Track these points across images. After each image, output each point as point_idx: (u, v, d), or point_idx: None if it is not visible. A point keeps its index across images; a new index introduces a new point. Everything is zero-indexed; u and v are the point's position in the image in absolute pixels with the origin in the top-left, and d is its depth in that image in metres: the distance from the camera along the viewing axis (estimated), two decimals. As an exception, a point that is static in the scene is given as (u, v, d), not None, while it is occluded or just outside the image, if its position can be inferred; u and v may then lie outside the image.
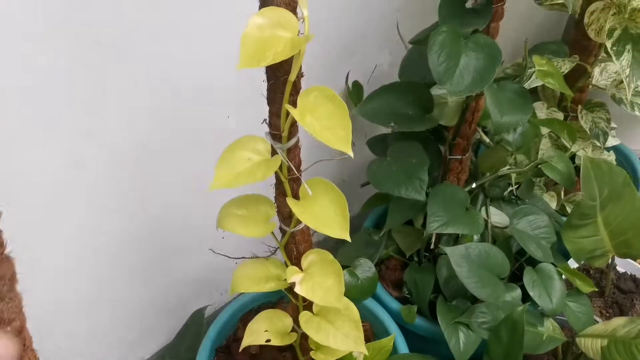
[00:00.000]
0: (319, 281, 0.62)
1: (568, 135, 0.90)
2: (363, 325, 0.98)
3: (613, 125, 1.08)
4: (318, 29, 0.86)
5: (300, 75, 0.52)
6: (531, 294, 0.87)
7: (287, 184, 0.59)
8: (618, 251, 0.92)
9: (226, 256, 0.72)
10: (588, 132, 1.01)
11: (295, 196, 0.60)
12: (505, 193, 0.93)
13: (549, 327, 0.89)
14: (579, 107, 1.04)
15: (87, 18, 0.58)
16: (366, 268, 0.89)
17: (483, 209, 0.90)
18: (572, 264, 1.03)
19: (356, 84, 0.99)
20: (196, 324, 0.98)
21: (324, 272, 0.63)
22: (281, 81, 0.50)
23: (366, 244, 0.98)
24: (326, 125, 0.48)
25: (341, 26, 0.93)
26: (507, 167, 0.85)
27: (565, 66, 0.95)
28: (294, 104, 0.52)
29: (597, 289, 0.93)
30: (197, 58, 0.72)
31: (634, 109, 1.02)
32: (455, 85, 0.61)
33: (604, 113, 1.02)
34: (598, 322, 1.04)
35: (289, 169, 0.57)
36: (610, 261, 0.99)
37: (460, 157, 0.85)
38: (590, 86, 1.07)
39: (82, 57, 0.60)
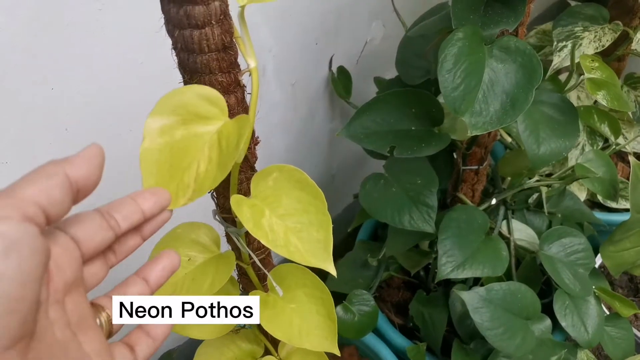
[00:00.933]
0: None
1: (610, 128, 0.75)
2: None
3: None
4: (293, 2, 0.69)
5: (254, 142, 0.37)
6: (563, 324, 0.76)
7: (251, 271, 0.45)
8: (663, 260, 0.81)
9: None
10: (630, 115, 0.86)
11: (262, 280, 0.47)
12: (530, 200, 0.79)
13: (583, 359, 0.79)
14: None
15: None
16: (363, 301, 0.77)
17: (504, 222, 0.77)
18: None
19: (342, 70, 0.83)
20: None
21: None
22: (225, 158, 0.35)
23: (362, 266, 0.86)
24: (294, 226, 0.33)
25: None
26: (536, 178, 0.71)
27: (606, 37, 0.78)
28: (246, 187, 0.37)
29: (639, 310, 0.82)
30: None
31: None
32: (478, 116, 0.45)
33: (649, 90, 0.86)
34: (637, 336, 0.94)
35: (251, 256, 0.43)
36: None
37: (476, 167, 0.71)
38: (630, 54, 0.91)
39: None
